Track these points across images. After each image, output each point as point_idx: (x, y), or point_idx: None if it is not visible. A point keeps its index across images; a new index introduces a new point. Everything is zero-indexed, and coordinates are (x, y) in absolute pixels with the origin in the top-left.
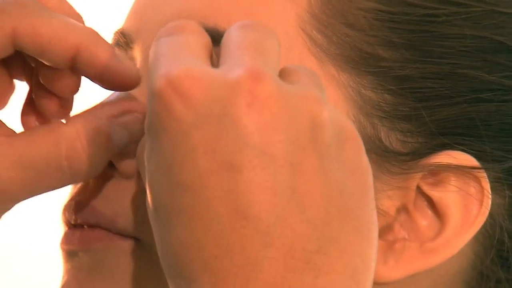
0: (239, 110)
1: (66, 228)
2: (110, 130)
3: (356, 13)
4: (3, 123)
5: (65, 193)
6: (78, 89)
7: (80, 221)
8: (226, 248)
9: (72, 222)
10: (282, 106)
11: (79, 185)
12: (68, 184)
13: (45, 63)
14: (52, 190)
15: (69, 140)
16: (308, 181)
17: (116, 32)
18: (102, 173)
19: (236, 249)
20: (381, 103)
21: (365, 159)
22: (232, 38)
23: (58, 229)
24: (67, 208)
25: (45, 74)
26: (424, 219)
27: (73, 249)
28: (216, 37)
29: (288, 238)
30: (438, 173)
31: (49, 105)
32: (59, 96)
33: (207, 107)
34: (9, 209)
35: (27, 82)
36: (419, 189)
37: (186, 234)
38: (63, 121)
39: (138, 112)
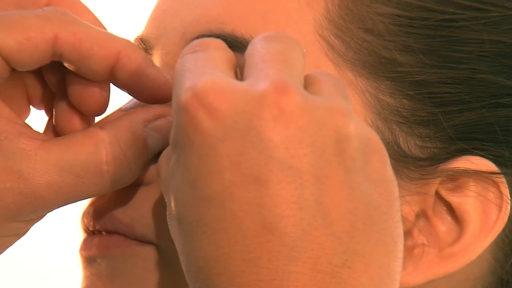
0: (264, 123)
1: (85, 234)
2: (146, 135)
3: (374, 18)
4: (34, 129)
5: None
6: (107, 108)
7: (99, 227)
8: (253, 262)
9: (91, 229)
10: (307, 119)
11: None
12: (104, 192)
13: (82, 73)
14: (88, 197)
15: (109, 144)
16: (334, 195)
17: (136, 38)
18: None
19: (263, 263)
20: (399, 109)
21: (390, 171)
22: (257, 49)
23: (78, 234)
24: (85, 214)
25: (75, 91)
26: (443, 225)
27: (91, 255)
28: (234, 43)
29: (314, 252)
30: (456, 179)
31: (71, 126)
32: (81, 118)
33: (233, 120)
34: (42, 217)
35: (45, 110)
36: (437, 195)
37: (212, 247)
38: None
39: (171, 116)
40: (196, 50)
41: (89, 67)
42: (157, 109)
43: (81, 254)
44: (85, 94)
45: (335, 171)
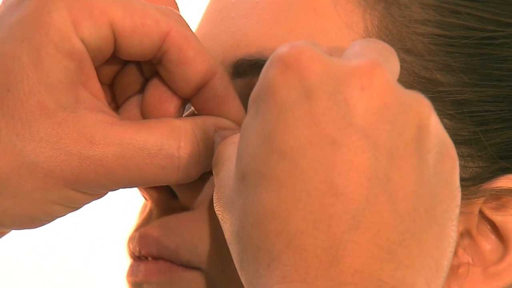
0: (352, 90)
1: (131, 260)
2: (214, 139)
3: (413, 38)
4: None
5: (130, 224)
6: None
7: (144, 252)
8: (313, 224)
9: (136, 254)
10: (394, 99)
11: (142, 216)
12: (167, 181)
13: (173, 79)
14: (150, 183)
15: (184, 131)
16: (404, 176)
17: None
18: (165, 205)
19: (322, 227)
20: None
21: (458, 180)
22: (356, 42)
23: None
24: (131, 239)
25: (151, 104)
26: (488, 243)
27: (138, 281)
28: None
29: (374, 224)
30: (500, 197)
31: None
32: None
33: (322, 81)
34: (99, 196)
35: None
36: (481, 214)
37: (275, 202)
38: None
39: (238, 131)
40: None
41: (184, 75)
42: (227, 122)
43: (128, 280)
44: (161, 109)
45: (409, 154)
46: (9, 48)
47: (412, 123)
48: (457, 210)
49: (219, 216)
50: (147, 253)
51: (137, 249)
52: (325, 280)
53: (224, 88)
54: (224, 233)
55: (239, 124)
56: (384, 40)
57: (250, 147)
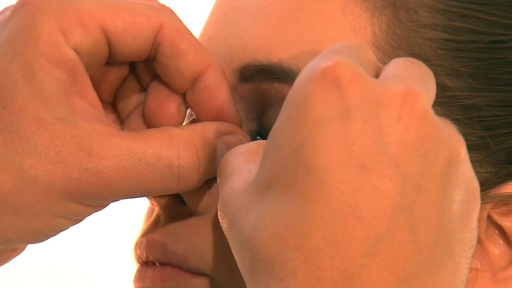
0: (388, 118)
1: (139, 265)
2: (216, 145)
3: (421, 43)
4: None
5: (136, 228)
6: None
7: (152, 258)
8: (332, 245)
9: (144, 260)
10: (429, 132)
11: (149, 221)
12: (167, 190)
13: (167, 73)
14: (150, 193)
15: (183, 140)
16: (428, 209)
17: None
18: (172, 211)
19: (341, 248)
20: None
21: (476, 220)
22: (398, 62)
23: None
24: (138, 245)
25: (153, 103)
26: (496, 248)
27: (145, 286)
28: (280, 74)
29: (392, 252)
30: (508, 203)
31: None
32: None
33: (360, 104)
34: (100, 208)
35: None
36: (490, 219)
37: (297, 217)
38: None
39: (240, 135)
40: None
41: (178, 67)
42: (229, 125)
43: (135, 286)
44: (162, 109)
45: (436, 189)
46: (1, 65)
47: (442, 158)
48: (473, 250)
49: (224, 223)
50: (155, 258)
51: (145, 254)
52: None
53: (217, 80)
54: (229, 239)
55: (229, 118)
56: (392, 45)
57: (280, 157)
